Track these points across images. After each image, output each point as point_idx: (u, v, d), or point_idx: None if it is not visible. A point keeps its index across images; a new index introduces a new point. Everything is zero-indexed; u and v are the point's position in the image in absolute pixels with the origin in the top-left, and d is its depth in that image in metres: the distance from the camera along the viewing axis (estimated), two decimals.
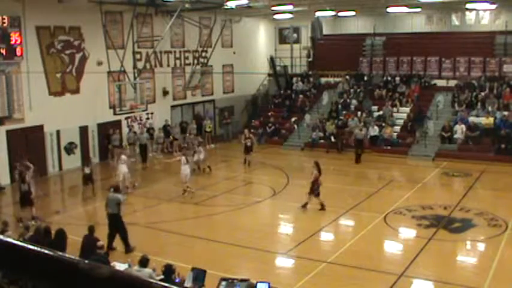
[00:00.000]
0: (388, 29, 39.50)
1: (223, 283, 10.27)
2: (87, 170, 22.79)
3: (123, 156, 23.41)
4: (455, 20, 37.61)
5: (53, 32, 26.56)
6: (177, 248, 16.49)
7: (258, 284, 9.99)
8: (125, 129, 30.34)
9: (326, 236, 18.47)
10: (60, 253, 1.99)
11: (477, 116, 30.87)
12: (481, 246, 17.16)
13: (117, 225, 15.96)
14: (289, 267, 15.79)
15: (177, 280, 11.38)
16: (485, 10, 35.92)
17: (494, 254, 15.58)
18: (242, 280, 10.45)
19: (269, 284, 9.98)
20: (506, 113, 30.02)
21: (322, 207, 19.89)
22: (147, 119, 31.81)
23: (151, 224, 18.94)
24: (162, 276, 11.25)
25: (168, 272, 11.35)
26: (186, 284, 10.82)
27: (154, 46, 31.12)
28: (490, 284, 13.51)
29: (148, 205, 21.76)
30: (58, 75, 26.91)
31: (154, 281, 1.84)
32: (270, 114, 36.38)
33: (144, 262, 11.86)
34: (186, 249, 16.24)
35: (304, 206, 20.13)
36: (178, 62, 34.22)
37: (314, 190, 19.92)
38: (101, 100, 28.94)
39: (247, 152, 28.21)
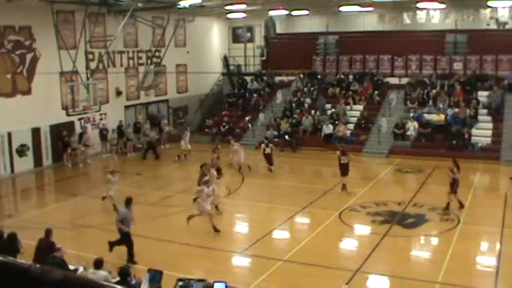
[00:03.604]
0: (341, 27, 39.85)
1: (180, 283, 10.23)
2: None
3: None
4: (406, 19, 38.24)
5: (3, 32, 25.98)
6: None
7: (215, 284, 9.96)
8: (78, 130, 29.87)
9: (281, 234, 18.51)
10: (11, 258, 1.95)
11: (429, 113, 31.39)
12: (434, 241, 17.48)
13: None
14: (246, 266, 15.82)
15: (133, 282, 11.28)
16: (435, 9, 36.57)
17: (447, 248, 15.90)
18: (199, 280, 10.43)
19: (226, 283, 9.95)
20: (457, 109, 30.60)
21: (461, 205, 19.59)
22: (100, 119, 31.42)
23: (107, 225, 18.71)
24: (118, 279, 11.14)
25: (124, 274, 11.25)
26: (142, 286, 10.74)
27: (107, 46, 30.75)
28: (444, 277, 13.78)
29: (104, 207, 21.49)
30: (8, 75, 26.37)
31: (108, 284, 1.82)
32: (224, 113, 36.30)
33: (98, 264, 11.72)
34: (141, 250, 16.05)
35: (447, 207, 19.56)
36: (131, 62, 33.90)
37: (454, 188, 19.58)
38: (53, 101, 28.43)
39: (269, 162, 26.50)
